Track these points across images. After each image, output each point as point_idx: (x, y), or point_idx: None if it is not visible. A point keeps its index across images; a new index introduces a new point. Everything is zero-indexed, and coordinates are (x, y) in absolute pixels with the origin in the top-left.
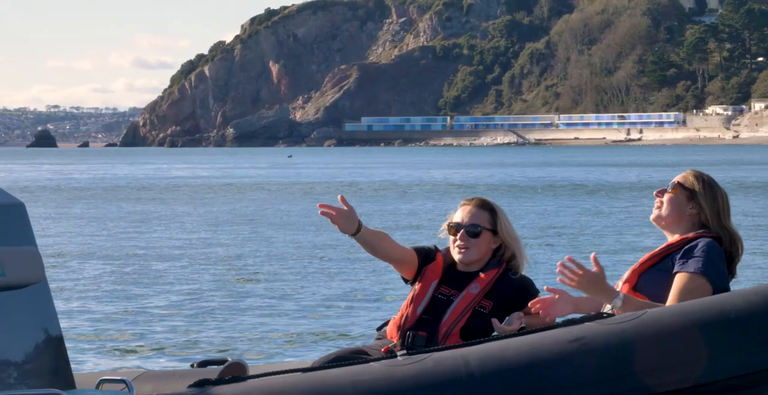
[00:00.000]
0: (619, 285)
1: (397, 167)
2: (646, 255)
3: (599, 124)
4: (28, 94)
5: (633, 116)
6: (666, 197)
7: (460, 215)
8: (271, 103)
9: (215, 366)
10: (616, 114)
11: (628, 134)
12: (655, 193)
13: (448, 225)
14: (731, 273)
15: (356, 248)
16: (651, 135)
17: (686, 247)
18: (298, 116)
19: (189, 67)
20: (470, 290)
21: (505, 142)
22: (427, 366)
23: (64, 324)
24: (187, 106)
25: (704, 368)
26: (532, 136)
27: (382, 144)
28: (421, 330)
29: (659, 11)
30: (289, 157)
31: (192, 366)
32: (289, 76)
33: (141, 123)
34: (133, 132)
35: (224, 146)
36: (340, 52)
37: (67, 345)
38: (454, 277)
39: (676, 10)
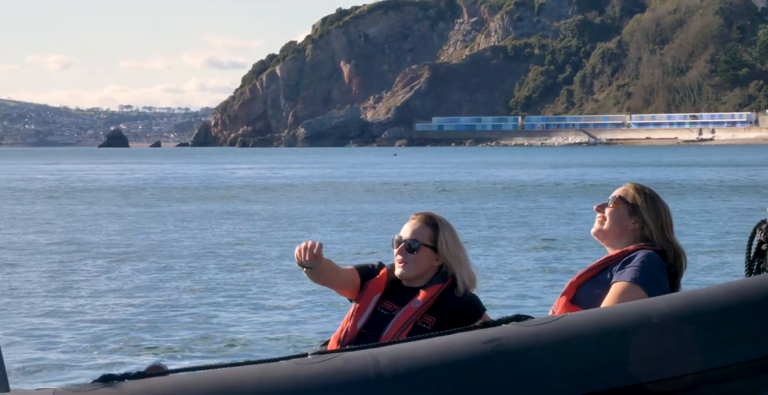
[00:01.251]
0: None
1: (515, 167)
2: (585, 268)
3: (671, 124)
4: (100, 94)
5: (705, 116)
6: (608, 212)
7: (405, 228)
8: (342, 103)
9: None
10: (688, 114)
11: (700, 133)
12: (595, 208)
13: (393, 239)
14: (675, 287)
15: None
16: (723, 135)
17: (625, 259)
18: (369, 115)
19: (260, 67)
20: (412, 304)
21: (576, 142)
22: (336, 365)
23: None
24: (258, 106)
25: (623, 372)
26: (604, 136)
27: (453, 144)
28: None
29: (731, 11)
30: (395, 156)
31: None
32: (360, 76)
33: (212, 123)
34: (204, 132)
35: (295, 145)
36: (412, 52)
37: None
38: (398, 292)
39: (748, 9)
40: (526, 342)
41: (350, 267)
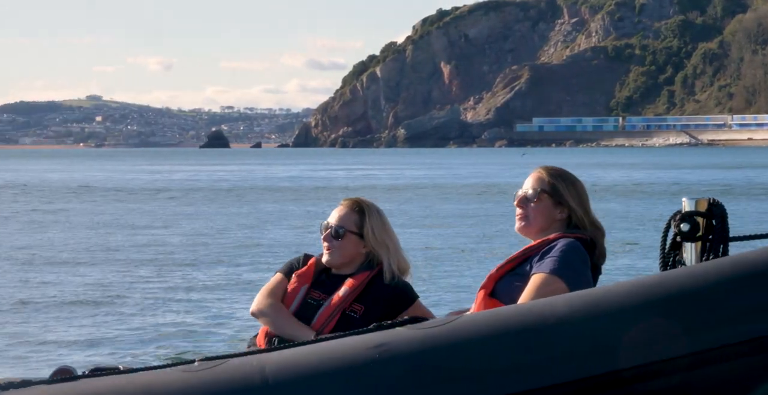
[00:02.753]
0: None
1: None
2: (505, 260)
3: None
4: (202, 95)
5: None
6: (532, 207)
7: (332, 214)
8: (442, 103)
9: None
10: None
11: None
12: (516, 203)
13: (321, 225)
14: (596, 271)
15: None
16: None
17: (545, 249)
18: (469, 116)
19: (361, 68)
20: (339, 293)
21: (677, 143)
22: (222, 372)
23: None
24: (358, 106)
25: (516, 378)
26: (705, 136)
27: (553, 145)
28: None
29: None
30: (523, 155)
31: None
32: (460, 76)
33: (313, 124)
34: (305, 133)
35: (395, 146)
36: (512, 53)
37: None
38: (326, 281)
39: None
40: (415, 346)
41: (279, 277)
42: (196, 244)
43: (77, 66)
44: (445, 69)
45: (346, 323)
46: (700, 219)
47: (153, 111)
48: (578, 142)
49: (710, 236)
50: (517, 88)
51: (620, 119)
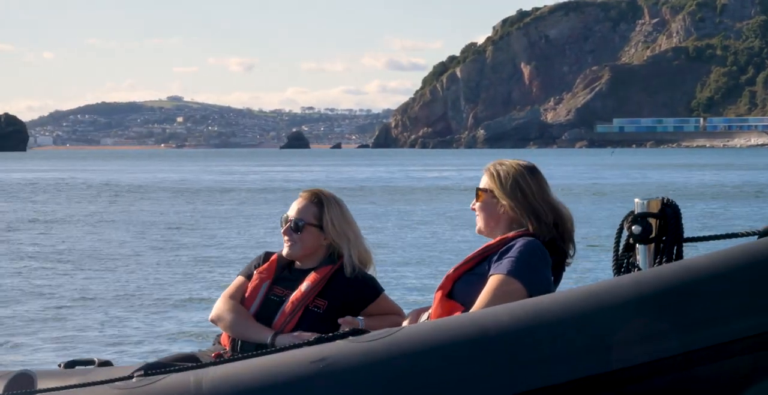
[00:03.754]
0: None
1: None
2: (463, 259)
3: None
4: (282, 96)
5: None
6: (477, 206)
7: (291, 207)
8: (522, 104)
9: (83, 366)
10: None
11: None
12: (471, 207)
13: (281, 218)
14: (559, 268)
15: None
16: None
17: (504, 248)
18: (549, 117)
19: (441, 69)
20: (301, 288)
21: (759, 143)
22: (158, 388)
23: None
24: (438, 107)
25: (457, 390)
26: None
27: (634, 146)
28: None
29: None
30: (612, 154)
31: (60, 365)
32: (540, 77)
33: (393, 125)
34: (385, 134)
35: (475, 147)
36: (592, 54)
37: None
38: (289, 277)
39: None
40: (354, 360)
41: (239, 280)
42: (243, 246)
43: (159, 67)
44: (525, 70)
45: (310, 319)
46: (652, 220)
47: (234, 112)
48: (659, 143)
49: (663, 238)
50: (597, 88)
51: (701, 119)
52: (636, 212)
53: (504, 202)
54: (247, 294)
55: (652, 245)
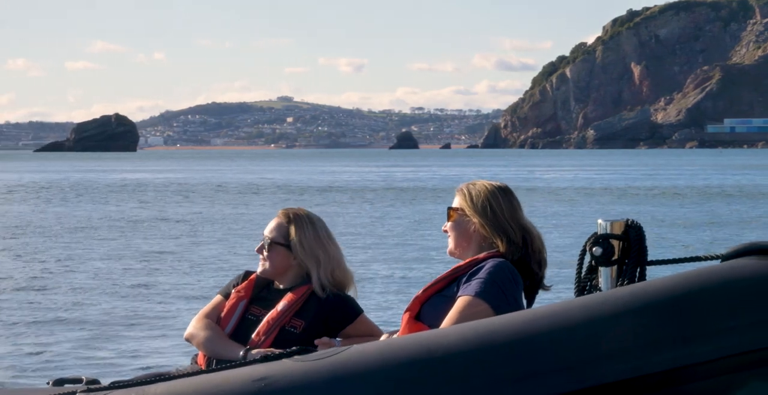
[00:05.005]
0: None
1: None
2: (432, 281)
3: None
4: (392, 96)
5: None
6: (448, 226)
7: (267, 225)
8: (632, 104)
9: (71, 384)
10: None
11: None
12: (443, 229)
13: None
14: (532, 290)
15: None
16: None
17: (473, 269)
18: (659, 117)
19: (550, 69)
20: (278, 307)
21: None
22: None
23: None
24: (548, 107)
25: None
26: None
27: (745, 146)
28: None
29: None
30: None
31: (48, 383)
32: (650, 77)
33: (502, 125)
34: (494, 134)
35: (584, 147)
36: (703, 53)
37: None
38: (267, 296)
39: None
40: (297, 379)
41: (216, 299)
42: None
43: (269, 68)
44: (636, 70)
45: (286, 339)
46: (615, 242)
47: (343, 112)
48: None
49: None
50: (708, 88)
51: None
52: (598, 234)
53: (474, 220)
54: (223, 314)
55: (615, 267)
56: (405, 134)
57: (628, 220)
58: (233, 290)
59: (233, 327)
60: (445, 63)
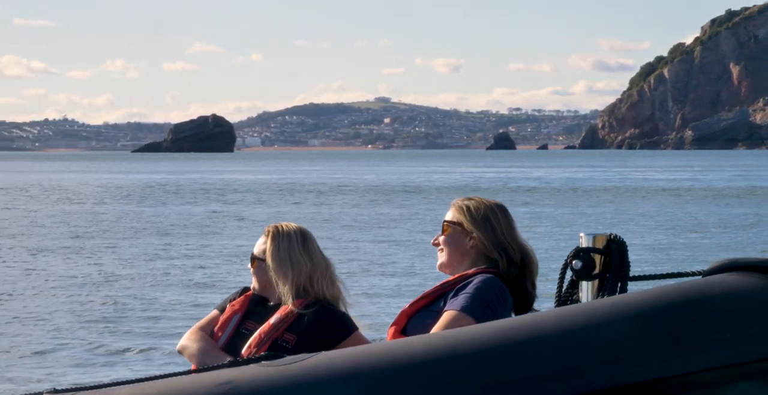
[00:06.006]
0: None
1: None
2: (419, 295)
3: None
4: (489, 97)
5: None
6: (441, 240)
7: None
8: (730, 105)
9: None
10: None
11: None
12: (432, 243)
13: None
14: (522, 309)
15: None
16: None
17: (461, 284)
18: (759, 118)
19: (648, 70)
20: (270, 321)
21: None
22: None
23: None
24: (645, 108)
25: None
26: None
27: None
28: None
29: None
30: None
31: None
32: (749, 77)
33: (599, 125)
34: (591, 134)
35: (682, 148)
36: None
37: None
38: (262, 312)
39: None
40: (261, 384)
41: (212, 314)
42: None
43: (367, 68)
44: (734, 70)
45: (278, 353)
46: (597, 256)
47: (441, 113)
48: None
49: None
50: None
51: None
52: (579, 247)
53: (474, 235)
54: (217, 327)
55: (597, 282)
56: (502, 134)
57: (611, 234)
58: (228, 305)
59: (226, 340)
60: (542, 63)
